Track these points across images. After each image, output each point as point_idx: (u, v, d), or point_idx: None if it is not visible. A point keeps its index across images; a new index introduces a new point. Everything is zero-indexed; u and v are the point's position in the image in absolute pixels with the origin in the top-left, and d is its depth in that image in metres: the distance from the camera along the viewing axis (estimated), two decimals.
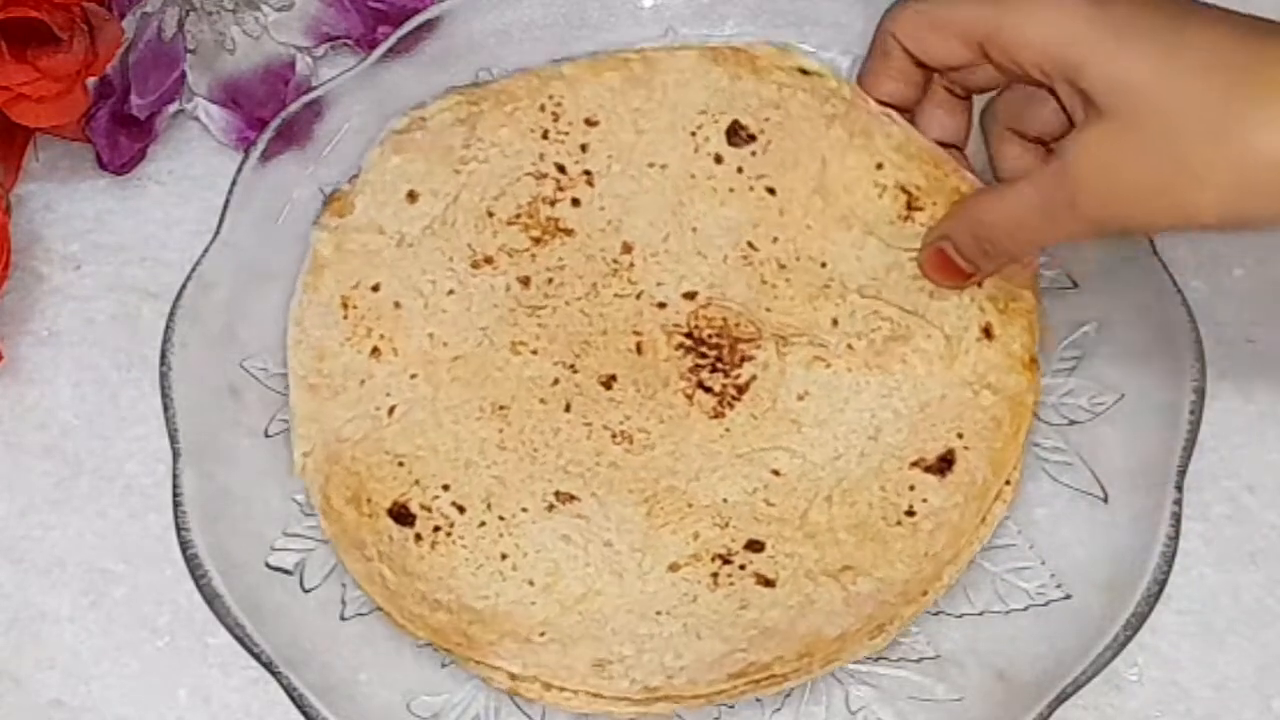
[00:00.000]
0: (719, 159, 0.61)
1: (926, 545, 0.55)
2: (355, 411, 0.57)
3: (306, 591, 0.55)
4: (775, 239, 0.60)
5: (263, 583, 0.55)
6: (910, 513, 0.55)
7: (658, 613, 0.54)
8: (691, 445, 0.57)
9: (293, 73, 0.67)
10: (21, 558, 0.58)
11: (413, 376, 0.58)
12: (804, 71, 0.62)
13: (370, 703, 0.54)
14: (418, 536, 0.55)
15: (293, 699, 0.52)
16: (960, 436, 0.56)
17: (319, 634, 0.55)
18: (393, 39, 0.65)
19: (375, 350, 0.58)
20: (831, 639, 0.53)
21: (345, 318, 0.59)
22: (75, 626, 0.57)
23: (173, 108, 0.66)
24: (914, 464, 0.56)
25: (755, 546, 0.55)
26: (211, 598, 0.54)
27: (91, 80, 0.63)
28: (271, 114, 0.64)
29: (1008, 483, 0.56)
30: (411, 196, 0.61)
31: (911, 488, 0.56)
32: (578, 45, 0.66)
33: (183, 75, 0.66)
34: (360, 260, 0.60)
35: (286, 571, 0.56)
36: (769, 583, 0.54)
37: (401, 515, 0.56)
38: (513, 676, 0.53)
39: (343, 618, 0.55)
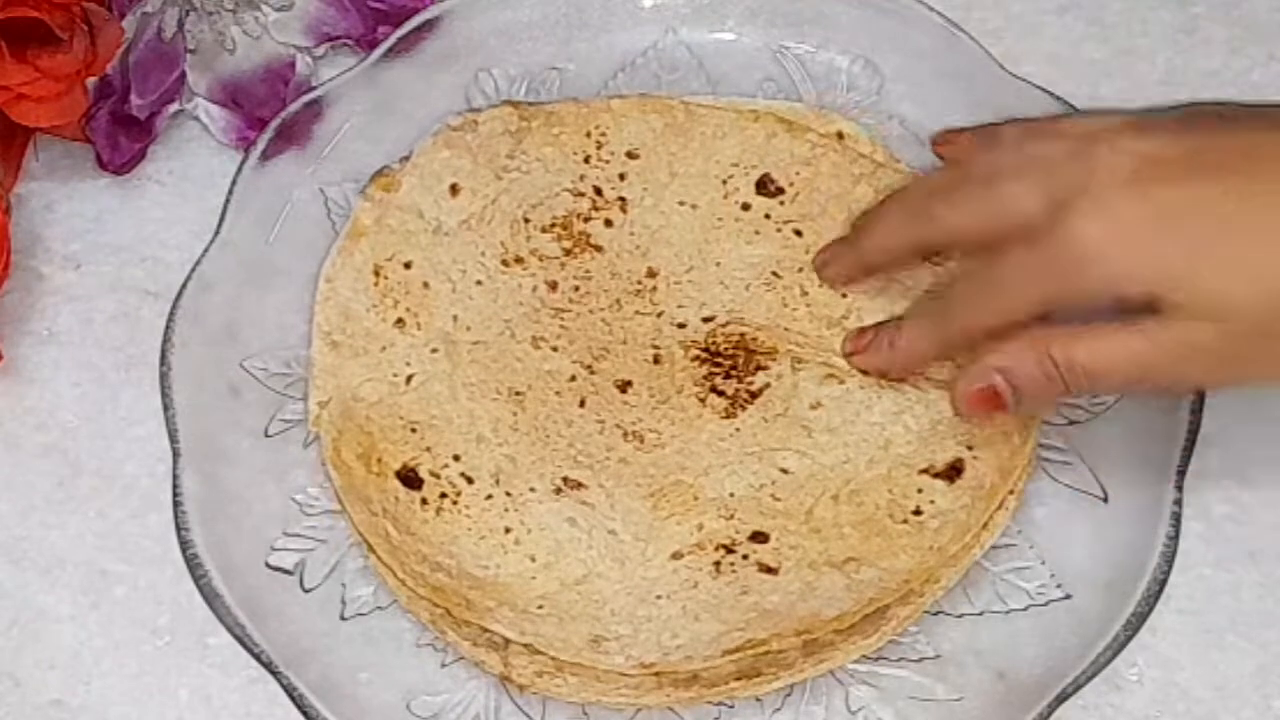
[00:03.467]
0: (747, 206, 0.63)
1: (932, 540, 0.55)
2: (374, 374, 0.58)
3: (306, 591, 0.55)
4: (800, 269, 0.61)
5: (263, 583, 0.55)
6: (917, 512, 0.56)
7: (657, 596, 0.54)
8: (701, 444, 0.57)
9: (293, 73, 0.67)
10: (21, 558, 0.58)
11: (433, 351, 0.59)
12: (840, 135, 0.64)
13: (370, 703, 0.54)
14: (423, 501, 0.56)
15: (293, 699, 0.52)
16: (970, 449, 0.57)
17: (319, 634, 0.55)
18: (393, 39, 0.65)
19: (400, 321, 0.60)
20: (829, 619, 0.53)
21: (375, 285, 0.60)
22: (75, 626, 0.57)
23: (173, 108, 0.66)
24: (923, 471, 0.56)
25: (760, 538, 0.55)
26: (211, 598, 0.54)
27: (91, 80, 0.63)
28: (271, 114, 0.64)
29: (1012, 491, 0.56)
30: (454, 190, 0.62)
31: (919, 490, 0.56)
32: (578, 45, 0.67)
33: (183, 75, 0.66)
34: (397, 237, 0.61)
35: (286, 571, 0.56)
36: (771, 570, 0.55)
37: (409, 479, 0.56)
38: (506, 643, 0.53)
39: (343, 618, 0.55)
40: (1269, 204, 0.48)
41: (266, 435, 0.58)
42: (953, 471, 0.56)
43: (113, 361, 0.62)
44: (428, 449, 0.57)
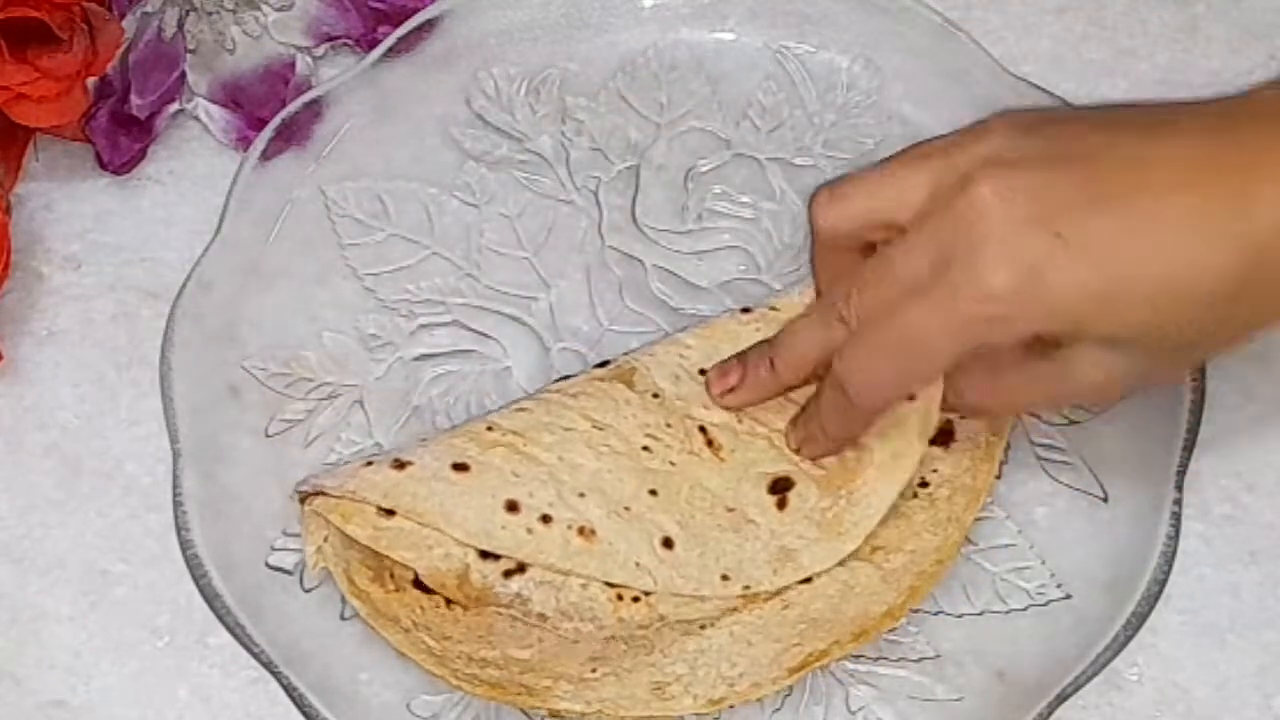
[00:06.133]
0: None
1: (947, 510, 0.55)
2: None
3: (306, 591, 0.55)
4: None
5: (263, 583, 0.55)
6: (924, 484, 0.56)
7: (701, 627, 0.54)
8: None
9: (293, 73, 0.67)
10: (21, 558, 0.58)
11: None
12: None
13: (370, 703, 0.54)
14: (448, 601, 0.54)
15: (293, 699, 0.53)
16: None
17: (319, 634, 0.55)
18: (392, 39, 0.65)
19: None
20: (880, 615, 0.53)
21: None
22: (75, 626, 0.57)
23: (173, 108, 0.66)
24: None
25: None
26: (211, 598, 0.54)
27: (91, 80, 0.63)
28: (271, 114, 0.64)
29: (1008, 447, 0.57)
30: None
31: (920, 462, 0.56)
32: (578, 45, 0.66)
33: (183, 75, 0.66)
34: None
35: (286, 571, 0.56)
36: (805, 579, 0.54)
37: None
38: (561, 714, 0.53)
39: (343, 618, 0.55)
40: (1169, 220, 0.47)
41: (266, 435, 0.58)
42: (945, 435, 0.56)
43: (113, 361, 0.62)
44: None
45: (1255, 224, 0.46)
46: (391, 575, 0.54)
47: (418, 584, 0.54)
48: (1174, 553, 0.54)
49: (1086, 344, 0.48)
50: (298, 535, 0.56)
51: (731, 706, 0.53)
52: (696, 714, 0.53)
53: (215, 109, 0.66)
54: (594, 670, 0.53)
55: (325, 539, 0.55)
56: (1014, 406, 0.55)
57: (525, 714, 0.54)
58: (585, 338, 0.61)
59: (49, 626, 0.57)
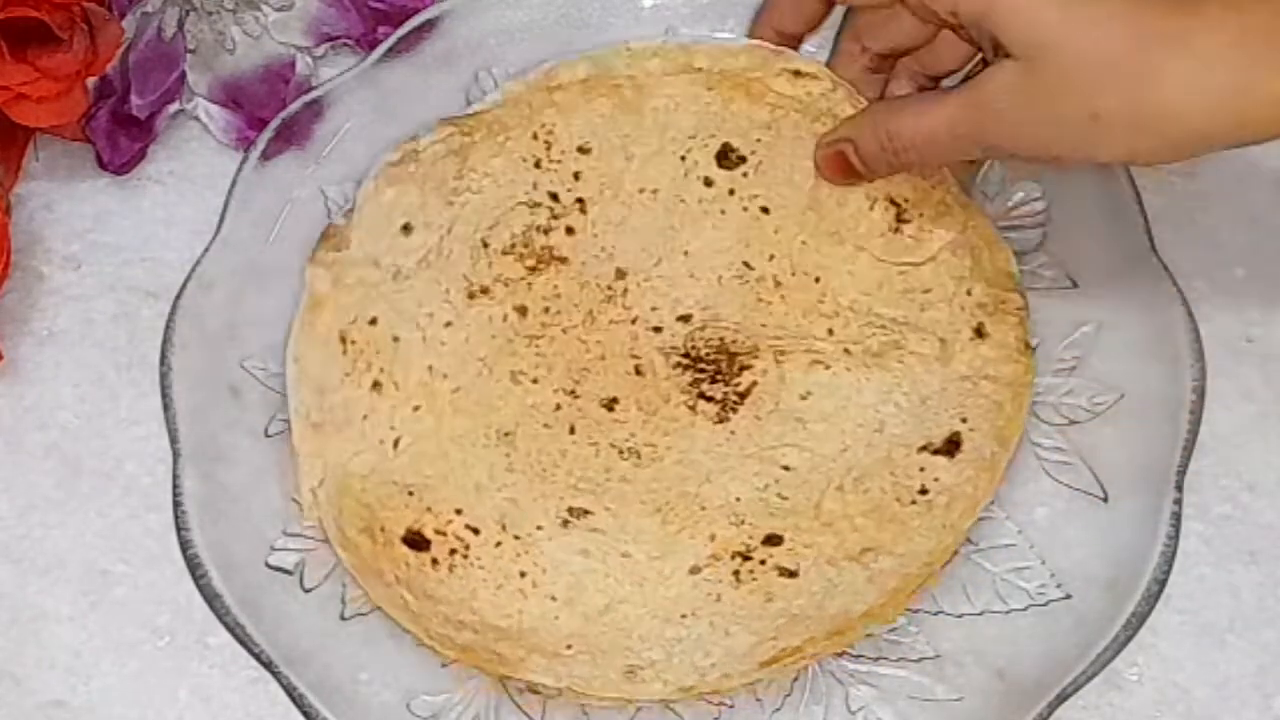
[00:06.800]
0: (709, 182, 0.61)
1: (944, 518, 0.55)
2: (360, 446, 0.57)
3: (306, 591, 0.55)
4: (771, 256, 0.60)
5: (263, 582, 0.55)
6: (924, 491, 0.56)
7: (683, 615, 0.54)
8: (698, 452, 0.57)
9: (293, 73, 0.67)
10: (21, 558, 0.58)
11: (415, 409, 0.58)
12: (797, 74, 0.61)
13: (370, 703, 0.54)
14: (434, 561, 0.55)
15: (293, 699, 0.53)
16: (964, 421, 0.57)
17: (319, 634, 0.55)
18: (393, 39, 0.65)
19: (376, 384, 0.58)
20: (859, 615, 0.53)
21: (344, 353, 0.58)
22: (75, 626, 0.57)
23: (173, 108, 0.66)
24: (921, 449, 0.57)
25: (774, 540, 0.55)
26: (211, 598, 0.54)
27: (91, 80, 0.63)
28: (271, 114, 0.64)
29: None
30: (406, 229, 0.60)
31: (921, 469, 0.56)
32: (578, 45, 0.66)
33: (183, 75, 0.66)
34: (357, 294, 0.59)
35: (286, 571, 0.56)
36: (791, 574, 0.55)
37: (416, 542, 0.55)
38: (535, 688, 0.53)
39: (343, 618, 0.55)
40: None
41: (266, 435, 0.58)
42: (951, 446, 0.56)
43: (113, 361, 0.62)
44: (428, 509, 0.56)
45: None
46: (382, 530, 0.55)
47: (406, 541, 0.55)
48: (1174, 553, 0.54)
49: (1005, 62, 0.51)
50: (298, 535, 0.56)
51: (701, 696, 0.53)
52: (663, 700, 0.53)
53: (215, 109, 0.66)
54: (569, 647, 0.53)
55: (320, 482, 0.56)
56: (935, 137, 0.55)
57: (519, 709, 0.54)
58: None
59: (49, 626, 0.57)
